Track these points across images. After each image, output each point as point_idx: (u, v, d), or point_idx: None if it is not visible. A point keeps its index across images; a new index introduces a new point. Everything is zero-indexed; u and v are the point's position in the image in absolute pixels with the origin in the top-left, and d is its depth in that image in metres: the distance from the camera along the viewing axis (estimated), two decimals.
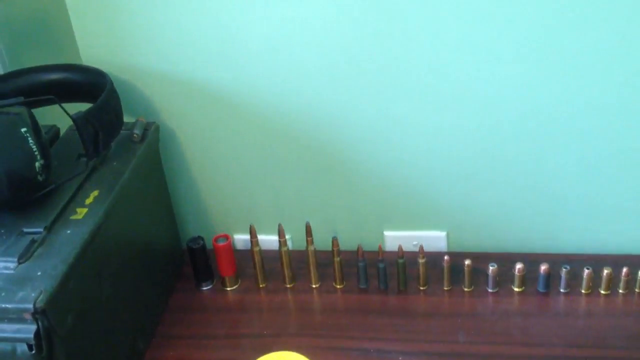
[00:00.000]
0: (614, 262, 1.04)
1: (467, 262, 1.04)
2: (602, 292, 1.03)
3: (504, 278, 1.06)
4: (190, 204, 1.19)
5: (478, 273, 1.07)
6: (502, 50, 0.97)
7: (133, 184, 0.96)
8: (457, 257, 1.07)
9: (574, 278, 1.04)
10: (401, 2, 0.95)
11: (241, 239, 1.19)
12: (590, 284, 1.03)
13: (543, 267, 1.02)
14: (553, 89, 0.99)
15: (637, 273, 1.01)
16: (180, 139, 1.13)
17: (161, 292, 1.09)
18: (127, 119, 1.05)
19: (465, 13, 0.95)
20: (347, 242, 1.14)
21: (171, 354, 1.00)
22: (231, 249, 1.10)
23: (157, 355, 1.00)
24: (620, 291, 1.02)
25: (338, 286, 1.10)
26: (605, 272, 1.01)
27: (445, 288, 1.07)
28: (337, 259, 1.07)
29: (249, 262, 1.11)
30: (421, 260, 1.05)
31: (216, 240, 1.08)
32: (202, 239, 1.09)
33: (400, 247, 1.05)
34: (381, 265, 1.06)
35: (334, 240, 1.06)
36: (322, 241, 1.13)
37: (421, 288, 1.07)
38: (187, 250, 1.10)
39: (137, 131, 1.02)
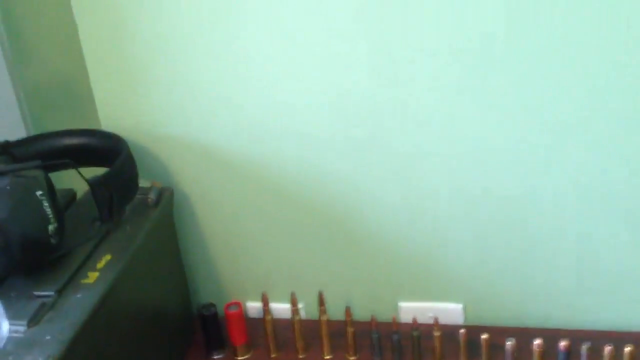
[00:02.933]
0: (637, 339, 1.01)
1: (484, 336, 1.01)
2: None
3: (522, 354, 1.03)
4: (202, 270, 1.18)
5: (496, 348, 1.03)
6: (528, 121, 0.97)
7: (146, 248, 0.96)
8: (474, 330, 1.04)
9: (595, 355, 1.00)
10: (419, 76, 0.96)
11: (253, 306, 1.17)
12: None
13: (563, 344, 0.99)
14: (573, 160, 0.99)
15: None
16: (195, 205, 1.13)
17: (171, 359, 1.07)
18: (142, 183, 1.06)
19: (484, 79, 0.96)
20: (361, 312, 1.12)
21: None
22: (243, 316, 1.08)
23: None
24: None
25: (351, 358, 1.07)
26: (627, 349, 0.98)
27: None
28: (350, 330, 1.05)
29: (261, 330, 1.09)
30: (436, 334, 1.02)
31: (228, 307, 1.07)
32: (214, 306, 1.08)
33: (414, 319, 1.02)
34: (395, 337, 1.03)
35: (347, 310, 1.04)
36: (335, 311, 1.11)
37: None
38: (199, 317, 1.09)
39: (151, 196, 1.03)
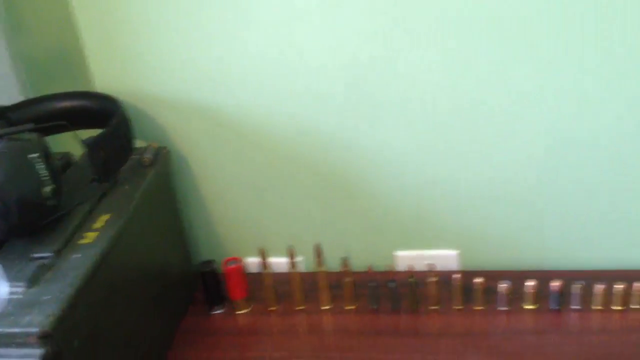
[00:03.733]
0: (627, 277, 1.03)
1: (478, 280, 1.03)
2: (616, 308, 1.01)
3: (516, 296, 1.05)
4: (201, 227, 1.20)
5: (490, 291, 1.06)
6: (523, 80, 0.98)
7: (144, 207, 0.98)
8: (468, 275, 1.07)
9: (587, 294, 1.02)
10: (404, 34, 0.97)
11: (252, 262, 1.19)
12: (604, 300, 1.01)
13: (555, 284, 1.01)
14: (564, 115, 0.99)
15: None
16: (192, 164, 1.14)
17: (172, 316, 1.09)
18: (139, 144, 1.07)
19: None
20: (358, 263, 1.14)
21: None
22: (242, 272, 1.10)
23: None
24: (634, 307, 1.01)
25: (349, 307, 1.09)
26: (619, 287, 1.00)
27: (457, 307, 1.06)
28: (347, 280, 1.07)
29: (260, 285, 1.11)
30: (432, 280, 1.04)
31: (227, 263, 1.09)
32: (214, 262, 1.10)
33: (410, 267, 1.04)
34: (392, 285, 1.06)
35: (345, 261, 1.06)
36: (333, 262, 1.13)
37: (432, 307, 1.06)
38: (199, 274, 1.11)
39: (148, 155, 1.04)
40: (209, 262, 1.10)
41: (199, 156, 1.14)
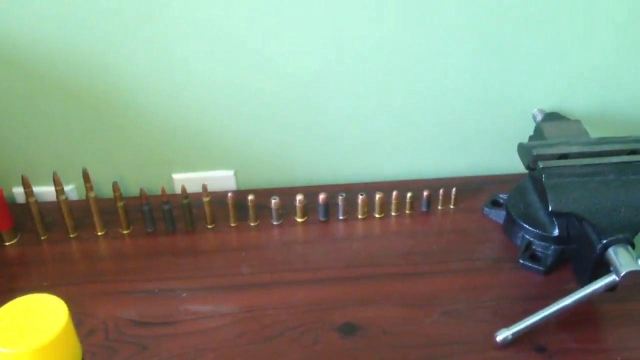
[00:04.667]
0: (386, 188, 1.12)
1: (250, 197, 1.07)
2: (377, 216, 1.10)
3: (288, 211, 1.10)
4: None
5: (263, 208, 1.10)
6: None
7: None
8: (242, 194, 1.10)
9: (351, 205, 1.10)
10: None
11: (18, 192, 1.13)
12: (365, 210, 1.10)
13: (322, 197, 1.07)
14: (336, 38, 1.03)
15: (405, 196, 1.10)
16: None
17: None
18: None
19: None
20: (135, 189, 1.13)
21: None
22: (4, 201, 1.04)
23: None
24: (393, 214, 1.11)
25: (124, 231, 1.08)
26: (378, 196, 1.09)
27: (232, 224, 1.09)
28: (120, 204, 1.05)
29: (28, 215, 1.06)
30: (205, 199, 1.06)
31: None
32: None
33: (183, 188, 1.05)
34: (166, 207, 1.06)
35: (115, 186, 1.04)
36: (105, 189, 1.10)
37: (208, 226, 1.09)
38: None
39: None
40: None
41: None
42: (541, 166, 0.88)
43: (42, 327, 0.62)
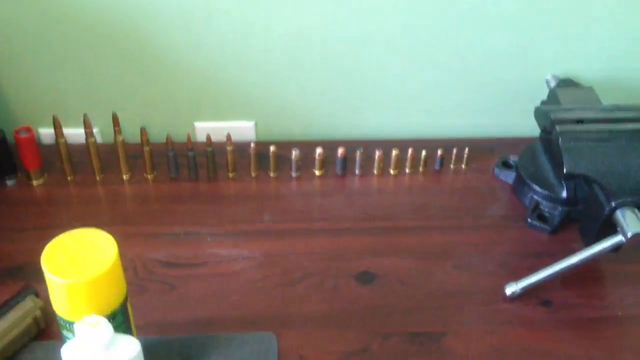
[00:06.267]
0: (402, 145, 1.15)
1: (272, 148, 1.10)
2: (392, 172, 1.14)
3: (306, 163, 1.14)
4: None
5: (283, 159, 1.14)
6: None
7: None
8: (263, 145, 1.13)
9: (368, 160, 1.14)
10: None
11: (46, 133, 1.16)
12: (381, 165, 1.14)
13: (340, 151, 1.11)
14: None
15: (420, 154, 1.14)
16: None
17: None
18: None
19: None
20: (159, 135, 1.16)
21: None
22: (34, 141, 1.07)
23: None
24: (407, 170, 1.15)
25: (149, 176, 1.12)
26: (394, 153, 1.13)
27: (253, 174, 1.13)
28: (146, 149, 1.09)
29: (56, 156, 1.09)
30: (229, 148, 1.10)
31: (17, 132, 1.05)
32: (2, 131, 1.05)
33: (208, 136, 1.08)
34: (191, 154, 1.09)
35: (142, 130, 1.07)
36: (132, 135, 1.13)
37: (230, 175, 1.12)
38: None
39: None
40: None
41: None
42: (558, 130, 0.92)
43: (94, 259, 0.67)
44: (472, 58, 1.15)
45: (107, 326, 0.63)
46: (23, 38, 1.08)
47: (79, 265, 0.66)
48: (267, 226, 1.03)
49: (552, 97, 1.07)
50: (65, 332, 0.70)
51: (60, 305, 0.67)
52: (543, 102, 1.11)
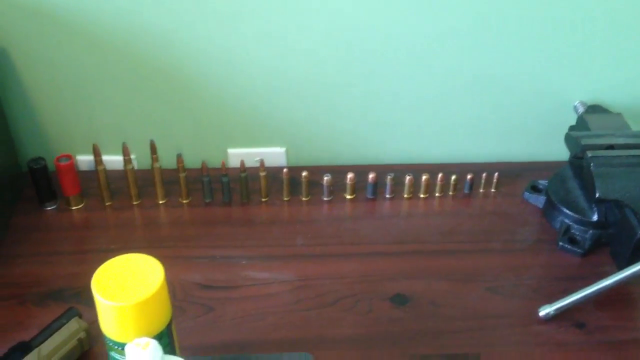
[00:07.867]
0: (431, 170, 1.17)
1: (304, 173, 1.13)
2: (422, 196, 1.16)
3: (337, 187, 1.16)
4: (29, 125, 1.17)
5: (314, 184, 1.16)
6: None
7: None
8: (295, 170, 1.16)
9: (398, 185, 1.16)
10: None
11: (84, 160, 1.19)
12: (411, 190, 1.15)
13: (371, 176, 1.13)
14: (381, 27, 1.08)
15: (450, 179, 1.15)
16: (16, 59, 1.10)
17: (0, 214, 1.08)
18: None
19: None
20: (192, 161, 1.19)
21: (17, 272, 1.00)
22: (74, 168, 1.10)
23: (2, 273, 1.00)
24: (437, 195, 1.16)
25: (184, 201, 1.14)
26: (424, 178, 1.14)
27: (285, 198, 1.15)
28: (182, 175, 1.11)
29: (94, 182, 1.12)
30: (262, 174, 1.12)
31: (58, 160, 1.08)
32: (43, 159, 1.09)
33: (242, 162, 1.11)
34: (225, 179, 1.12)
35: (179, 158, 1.10)
36: (167, 161, 1.16)
37: (263, 199, 1.15)
38: (28, 172, 1.09)
39: None
40: (39, 159, 1.08)
41: (24, 51, 1.09)
42: (590, 155, 0.94)
43: (142, 282, 0.69)
44: (500, 87, 1.17)
45: (157, 347, 0.65)
46: (64, 71, 1.12)
47: (128, 288, 0.68)
48: (300, 250, 1.05)
49: (581, 123, 1.08)
50: (113, 354, 0.72)
51: (110, 328, 0.69)
52: (572, 128, 1.13)
